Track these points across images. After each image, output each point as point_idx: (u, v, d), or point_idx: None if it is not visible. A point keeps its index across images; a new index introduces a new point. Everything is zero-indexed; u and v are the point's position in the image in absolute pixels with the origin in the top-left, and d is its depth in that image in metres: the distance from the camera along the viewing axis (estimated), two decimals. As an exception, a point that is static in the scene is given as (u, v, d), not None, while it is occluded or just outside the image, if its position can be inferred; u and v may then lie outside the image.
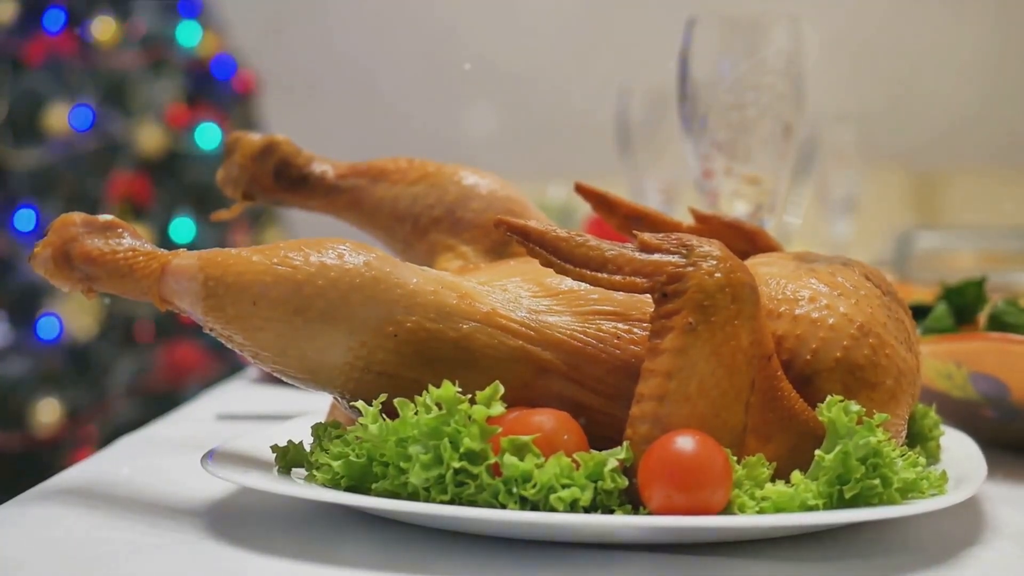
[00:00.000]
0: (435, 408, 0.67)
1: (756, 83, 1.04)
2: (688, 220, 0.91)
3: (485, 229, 0.89)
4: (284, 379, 0.75)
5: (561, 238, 0.71)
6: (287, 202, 0.96)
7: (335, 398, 0.75)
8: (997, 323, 1.03)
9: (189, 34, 3.06)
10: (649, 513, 0.65)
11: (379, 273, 0.72)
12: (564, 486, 0.65)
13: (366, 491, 0.69)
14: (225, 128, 3.01)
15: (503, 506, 0.66)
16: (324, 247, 0.73)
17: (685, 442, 0.65)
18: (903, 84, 4.07)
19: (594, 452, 0.67)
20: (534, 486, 0.65)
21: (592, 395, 0.73)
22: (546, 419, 0.68)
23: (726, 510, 0.66)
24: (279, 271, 0.72)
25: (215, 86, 3.08)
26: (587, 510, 0.66)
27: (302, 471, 0.75)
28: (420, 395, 0.69)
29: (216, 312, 0.73)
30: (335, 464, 0.69)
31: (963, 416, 0.97)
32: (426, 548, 0.67)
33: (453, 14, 4.18)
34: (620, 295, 0.74)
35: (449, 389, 0.67)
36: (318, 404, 1.11)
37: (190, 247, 0.87)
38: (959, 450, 0.84)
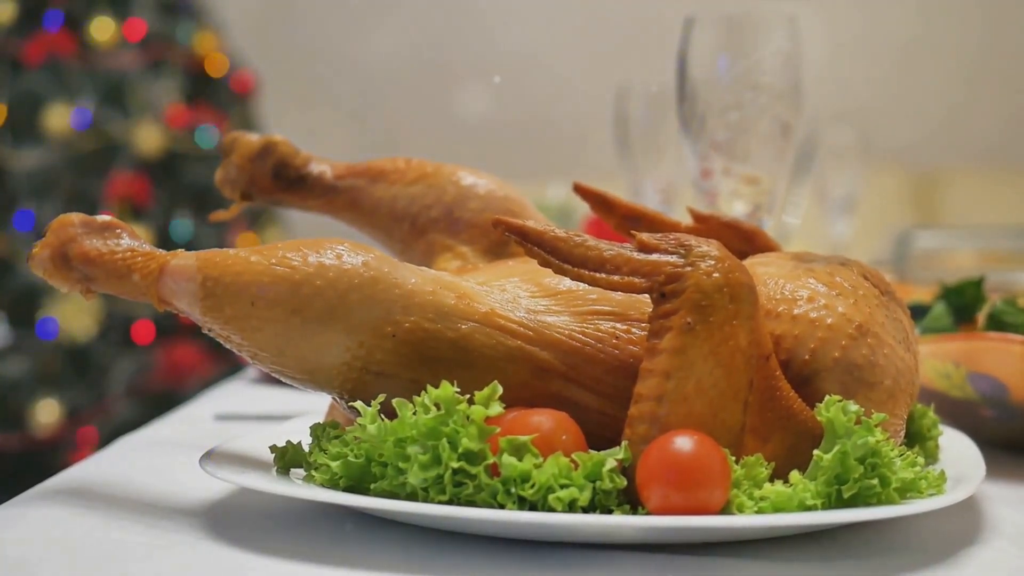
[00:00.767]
0: (433, 408, 0.67)
1: (755, 83, 1.04)
2: (686, 220, 0.91)
3: (483, 229, 0.89)
4: (282, 379, 0.75)
5: (559, 238, 0.71)
6: (285, 202, 0.96)
7: (333, 398, 0.75)
8: (996, 323, 1.03)
9: (188, 34, 3.06)
10: (647, 513, 0.65)
11: (377, 273, 0.72)
12: (562, 486, 0.65)
13: (364, 491, 0.69)
14: (224, 128, 3.01)
15: (501, 506, 0.66)
16: (322, 247, 0.73)
17: (683, 442, 0.65)
18: (902, 84, 4.07)
19: (592, 452, 0.67)
20: (532, 486, 0.65)
21: (590, 395, 0.73)
22: (544, 419, 0.68)
23: (724, 510, 0.66)
24: (277, 271, 0.72)
25: (214, 86, 3.08)
26: (585, 510, 0.66)
27: (301, 471, 0.75)
28: (418, 395, 0.69)
29: (214, 312, 0.73)
30: (333, 464, 0.69)
31: (962, 416, 0.97)
32: (424, 548, 0.67)
33: (453, 14, 4.18)
34: (618, 295, 0.74)
35: (447, 389, 0.67)
36: (317, 404, 1.11)
37: (189, 247, 0.87)
38: (957, 450, 0.84)
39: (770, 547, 0.68)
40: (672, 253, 0.69)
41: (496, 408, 0.67)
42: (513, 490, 0.65)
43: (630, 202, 0.89)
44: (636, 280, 0.69)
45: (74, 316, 2.77)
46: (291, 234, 3.24)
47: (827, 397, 0.69)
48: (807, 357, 0.73)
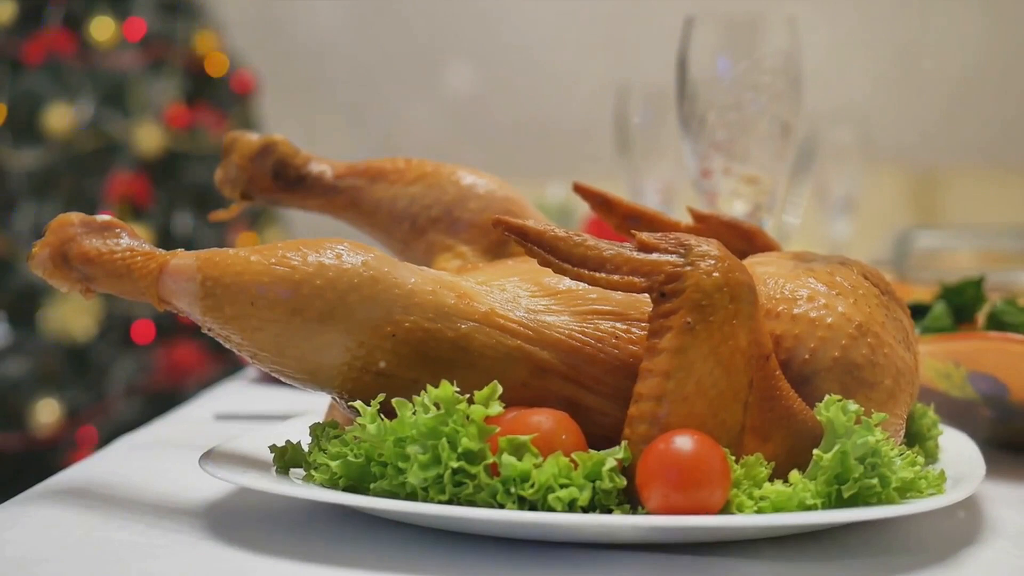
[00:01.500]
0: (433, 408, 0.67)
1: (754, 83, 1.04)
2: (686, 220, 0.91)
3: (483, 229, 0.89)
4: (282, 379, 0.75)
5: (559, 237, 0.71)
6: (285, 202, 0.96)
7: (333, 398, 0.75)
8: (996, 322, 1.03)
9: (188, 34, 3.06)
10: (647, 513, 0.65)
11: (377, 273, 0.72)
12: (562, 486, 0.65)
13: (364, 491, 0.69)
14: (224, 128, 3.01)
15: (501, 506, 0.66)
16: (322, 247, 0.73)
17: (683, 442, 0.65)
18: (902, 84, 4.07)
19: (592, 452, 0.67)
20: (532, 486, 0.65)
21: (590, 395, 0.73)
22: (544, 419, 0.68)
23: (724, 510, 0.66)
24: (277, 271, 0.72)
25: (214, 86, 3.08)
26: (585, 510, 0.66)
27: (300, 471, 0.75)
28: (418, 395, 0.69)
29: (214, 312, 0.73)
30: (333, 464, 0.69)
31: (961, 415, 0.97)
32: (424, 548, 0.67)
33: (452, 14, 4.18)
34: (618, 295, 0.74)
35: (447, 389, 0.67)
36: (316, 404, 1.11)
37: (189, 247, 0.87)
38: (957, 449, 0.84)
39: (770, 547, 0.68)
40: (672, 253, 0.69)
41: (496, 408, 0.67)
42: (513, 490, 0.65)
43: (630, 202, 0.89)
44: (636, 280, 0.69)
45: (74, 316, 2.77)
46: (291, 234, 3.24)
47: (827, 397, 0.69)
48: (807, 357, 0.73)
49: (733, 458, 0.67)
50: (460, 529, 0.68)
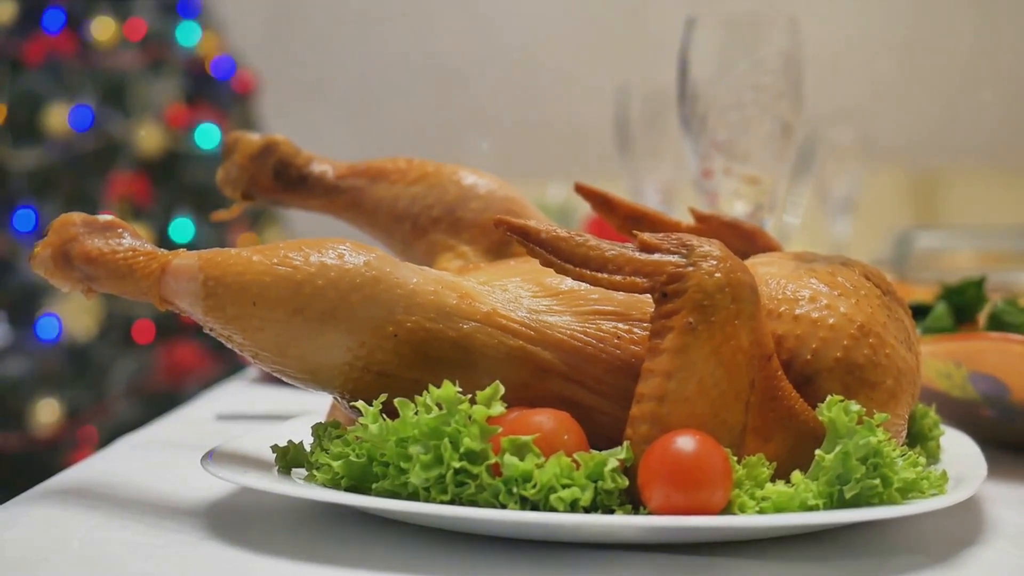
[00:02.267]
0: (435, 408, 0.67)
1: (755, 83, 1.04)
2: (688, 220, 0.91)
3: (484, 229, 0.89)
4: (284, 379, 0.75)
5: (561, 238, 0.71)
6: (286, 202, 0.96)
7: (335, 398, 0.75)
8: (997, 323, 1.03)
9: (188, 34, 3.06)
10: (649, 513, 0.65)
11: (379, 273, 0.72)
12: (564, 486, 0.65)
13: (366, 491, 0.69)
14: (224, 128, 3.01)
15: (503, 506, 0.66)
16: (324, 247, 0.73)
17: (685, 442, 0.65)
18: (902, 83, 4.07)
19: (594, 452, 0.67)
20: (534, 486, 0.65)
21: (592, 395, 0.73)
22: (546, 419, 0.68)
23: (726, 510, 0.66)
24: (279, 271, 0.72)
25: (214, 86, 3.08)
26: (587, 510, 0.66)
27: (302, 471, 0.75)
28: (420, 395, 0.69)
29: (216, 312, 0.73)
30: (335, 464, 0.69)
31: (963, 416, 0.97)
32: (426, 548, 0.67)
33: (452, 14, 4.18)
34: (620, 295, 0.74)
35: (449, 389, 0.67)
36: (318, 404, 1.11)
37: (190, 247, 0.87)
38: (959, 450, 0.84)
39: (772, 547, 0.68)
40: (674, 253, 0.69)
41: (498, 408, 0.67)
42: (515, 490, 0.65)
43: (631, 202, 0.89)
44: (638, 280, 0.69)
45: (74, 316, 2.77)
46: (291, 234, 3.24)
47: (829, 397, 0.69)
48: (809, 357, 0.73)
49: (735, 458, 0.67)
50: (462, 529, 0.68)
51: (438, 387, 0.68)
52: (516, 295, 0.75)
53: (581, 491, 0.65)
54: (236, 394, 1.30)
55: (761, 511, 0.66)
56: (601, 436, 0.71)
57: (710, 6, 1.11)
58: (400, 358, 0.71)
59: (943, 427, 0.86)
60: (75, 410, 2.78)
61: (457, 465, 0.66)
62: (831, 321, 0.73)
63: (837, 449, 0.67)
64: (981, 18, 4.07)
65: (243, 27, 3.71)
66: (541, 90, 4.14)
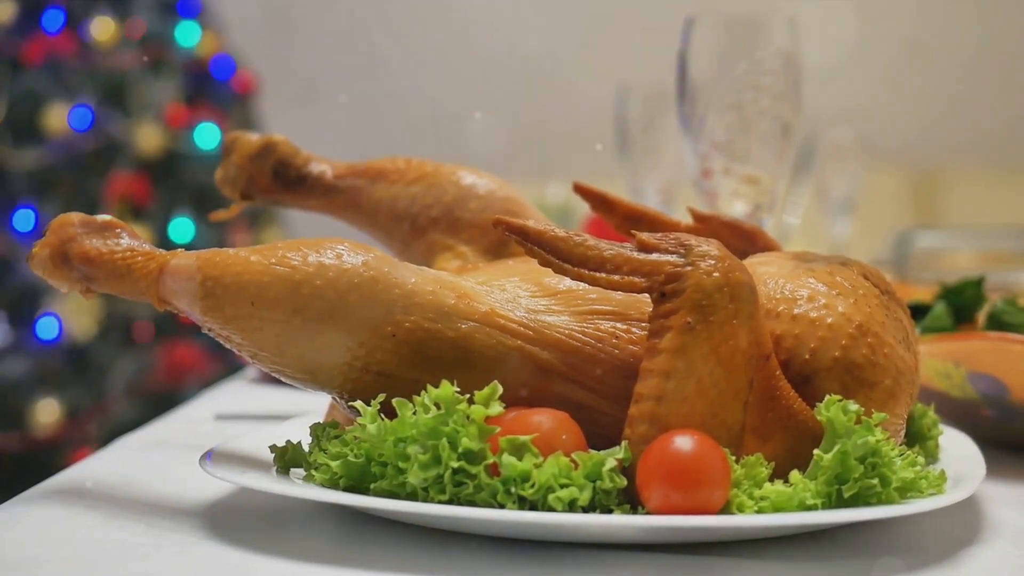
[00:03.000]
0: (433, 408, 0.67)
1: (755, 83, 1.04)
2: (687, 220, 0.91)
3: (483, 229, 0.89)
4: (283, 379, 0.75)
5: (559, 237, 0.71)
6: (285, 202, 0.96)
7: (334, 398, 0.75)
8: (996, 322, 1.03)
9: (188, 34, 3.06)
10: (647, 513, 0.65)
11: (377, 273, 0.72)
12: (562, 486, 0.65)
13: (364, 491, 0.69)
14: (224, 128, 3.00)
15: (501, 506, 0.66)
16: (322, 247, 0.73)
17: (683, 442, 0.65)
18: (902, 84, 4.07)
19: (592, 452, 0.67)
20: (532, 486, 0.65)
21: (590, 395, 0.73)
22: (544, 419, 0.68)
23: (724, 510, 0.66)
24: (277, 271, 0.72)
25: (214, 86, 3.08)
26: (585, 510, 0.66)
27: (301, 471, 0.75)
28: (418, 395, 0.69)
29: (214, 312, 0.73)
30: (333, 464, 0.69)
31: (962, 415, 0.97)
32: (424, 548, 0.67)
33: (452, 14, 4.18)
34: (618, 295, 0.74)
35: (447, 389, 0.67)
36: (317, 404, 1.11)
37: (189, 247, 0.87)
38: (958, 449, 0.84)
39: (770, 547, 0.68)
40: (672, 253, 0.69)
41: (496, 408, 0.67)
42: (513, 490, 0.65)
43: (630, 202, 0.89)
44: (636, 280, 0.69)
45: (74, 316, 2.77)
46: (291, 234, 3.24)
47: (827, 397, 0.69)
48: (807, 356, 0.73)
49: (733, 458, 0.67)
50: (460, 529, 0.68)
51: (436, 387, 0.68)
52: (514, 295, 0.75)
53: (579, 491, 0.65)
54: (235, 394, 1.30)
55: (760, 511, 0.66)
56: (599, 436, 0.71)
57: (710, 6, 1.10)
58: (399, 358, 0.71)
59: (942, 427, 0.86)
60: (75, 410, 2.78)
61: (455, 465, 0.66)
62: (829, 321, 0.73)
63: (835, 449, 0.67)
64: (981, 18, 4.07)
65: (243, 27, 3.71)
66: (541, 90, 4.14)
